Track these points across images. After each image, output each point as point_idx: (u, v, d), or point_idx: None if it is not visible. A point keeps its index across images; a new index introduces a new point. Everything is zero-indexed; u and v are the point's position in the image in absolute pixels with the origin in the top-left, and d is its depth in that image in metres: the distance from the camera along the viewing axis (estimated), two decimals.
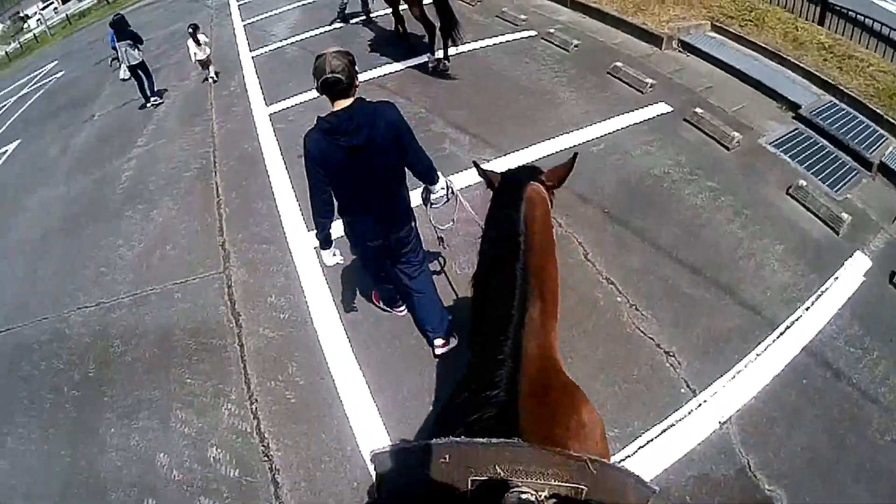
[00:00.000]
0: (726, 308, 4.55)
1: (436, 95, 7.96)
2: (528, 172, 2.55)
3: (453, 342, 4.39)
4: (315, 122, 3.29)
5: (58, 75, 19.22)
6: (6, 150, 12.74)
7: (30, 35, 42.57)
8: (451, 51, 8.47)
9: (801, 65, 7.57)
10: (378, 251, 3.88)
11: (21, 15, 51.56)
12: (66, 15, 41.46)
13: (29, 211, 8.75)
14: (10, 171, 11.17)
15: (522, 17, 9.83)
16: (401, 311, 4.78)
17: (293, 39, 11.59)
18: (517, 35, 9.37)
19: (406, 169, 3.66)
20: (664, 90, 7.32)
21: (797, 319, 4.43)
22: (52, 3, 52.18)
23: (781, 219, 5.38)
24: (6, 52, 40.91)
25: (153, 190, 7.72)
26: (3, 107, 18.80)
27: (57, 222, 7.98)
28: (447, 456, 1.52)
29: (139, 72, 10.62)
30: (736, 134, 6.30)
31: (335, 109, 3.25)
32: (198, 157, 8.15)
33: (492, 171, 2.64)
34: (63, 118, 13.00)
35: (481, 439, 1.54)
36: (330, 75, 3.11)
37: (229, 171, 7.50)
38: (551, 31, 9.11)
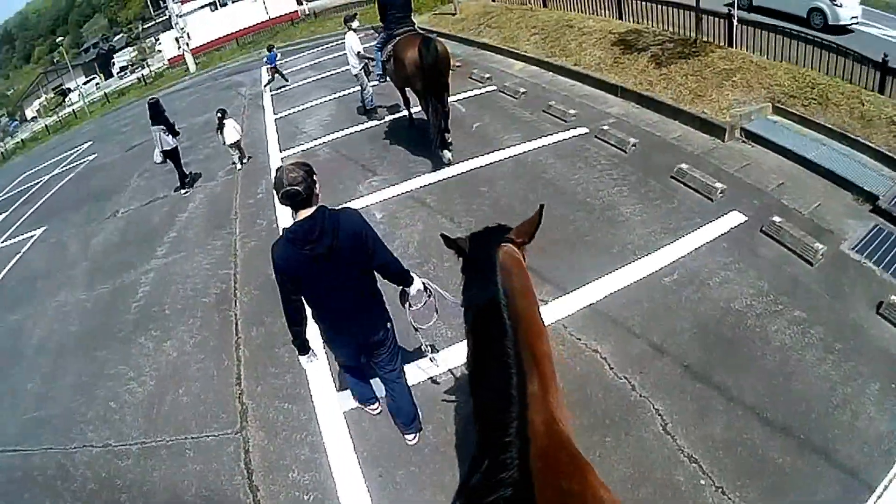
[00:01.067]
0: (820, 475, 3.92)
1: (482, 213, 7.28)
2: (496, 233, 2.52)
3: (419, 430, 4.60)
4: (281, 233, 3.48)
5: (90, 158, 19.65)
6: (33, 236, 12.93)
7: (69, 110, 44.36)
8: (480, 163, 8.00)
9: (872, 145, 7.10)
10: (354, 353, 4.02)
11: (63, 88, 54.02)
12: (105, 93, 43.05)
13: (47, 314, 8.52)
14: (34, 263, 11.18)
15: (572, 112, 9.34)
16: (374, 410, 4.78)
17: (326, 139, 11.32)
18: (568, 134, 8.83)
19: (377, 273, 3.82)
20: (735, 194, 6.70)
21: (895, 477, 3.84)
22: (95, 78, 54.68)
23: (873, 348, 4.75)
24: (46, 126, 42.81)
25: (168, 315, 7.21)
26: (36, 184, 19.51)
27: (72, 335, 7.68)
28: None
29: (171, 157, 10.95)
30: (819, 245, 5.69)
31: (298, 219, 3.40)
32: (218, 279, 7.63)
33: (460, 238, 2.65)
34: (88, 210, 12.96)
35: None
36: (289, 188, 3.28)
37: (250, 302, 6.91)
38: (605, 127, 8.57)
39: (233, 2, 42.96)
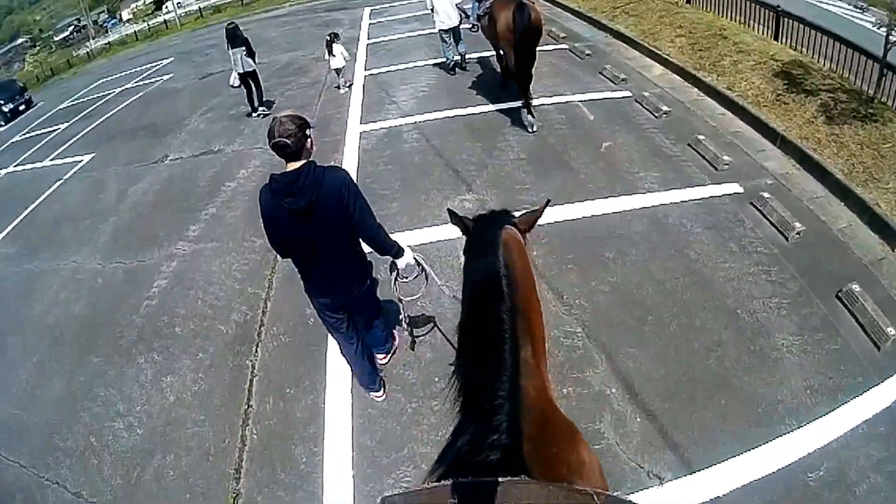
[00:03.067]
0: None
1: (603, 301, 5.45)
2: (501, 216, 2.46)
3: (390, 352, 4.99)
4: (268, 180, 3.52)
5: (164, 77, 19.01)
6: (79, 162, 12.50)
7: (161, 19, 44.23)
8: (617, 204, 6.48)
9: None
10: (332, 307, 4.09)
11: None
12: (200, 7, 42.49)
13: (60, 276, 7.83)
14: (69, 199, 10.66)
15: (726, 158, 7.38)
16: (378, 396, 4.72)
17: (416, 118, 9.70)
18: (719, 190, 6.84)
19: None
20: None
21: None
22: None
23: None
24: (135, 32, 42.77)
25: (178, 335, 5.94)
26: (105, 96, 19.15)
27: (75, 319, 6.84)
28: (455, 497, 1.55)
29: (249, 81, 11.44)
30: None
31: (286, 170, 3.47)
32: (244, 300, 6.22)
33: (466, 217, 2.53)
34: (139, 145, 12.31)
35: (488, 478, 1.57)
36: (279, 139, 3.34)
37: (275, 353, 5.47)
38: (765, 194, 6.55)
39: None
